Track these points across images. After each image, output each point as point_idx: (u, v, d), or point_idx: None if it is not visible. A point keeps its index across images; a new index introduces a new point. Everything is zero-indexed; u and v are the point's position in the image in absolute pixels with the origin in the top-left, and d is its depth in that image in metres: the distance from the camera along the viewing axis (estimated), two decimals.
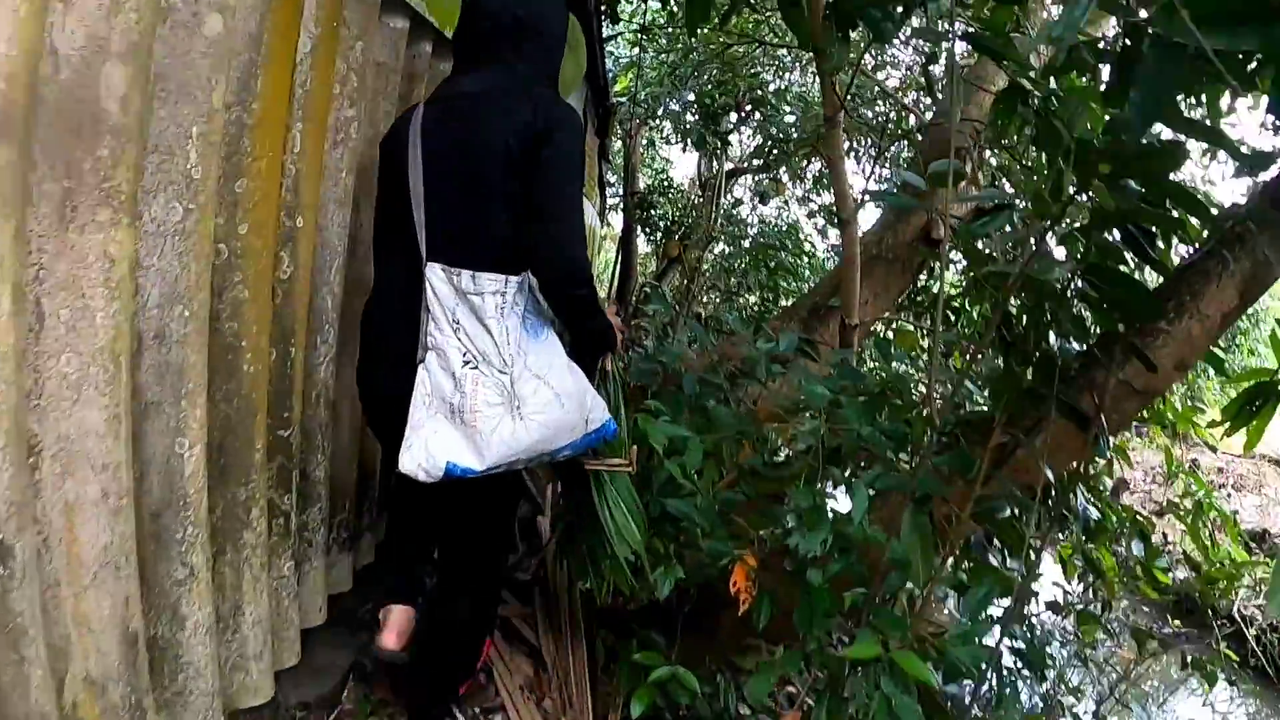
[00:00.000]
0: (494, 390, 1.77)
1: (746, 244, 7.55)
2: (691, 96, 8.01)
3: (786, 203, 11.16)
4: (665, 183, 12.33)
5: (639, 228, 11.39)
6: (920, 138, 5.88)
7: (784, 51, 7.78)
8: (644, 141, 12.06)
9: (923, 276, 5.19)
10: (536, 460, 1.91)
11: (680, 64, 7.64)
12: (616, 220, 13.35)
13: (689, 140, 8.40)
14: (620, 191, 12.05)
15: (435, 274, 1.80)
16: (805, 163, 8.25)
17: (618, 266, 11.72)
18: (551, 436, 1.84)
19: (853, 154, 7.23)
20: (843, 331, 4.54)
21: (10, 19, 1.09)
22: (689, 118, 8.94)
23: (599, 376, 2.20)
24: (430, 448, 1.75)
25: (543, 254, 1.78)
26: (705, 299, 7.88)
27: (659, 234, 11.12)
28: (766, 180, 9.19)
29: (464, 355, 1.78)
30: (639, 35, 7.71)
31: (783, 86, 7.78)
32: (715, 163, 9.29)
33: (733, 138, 8.52)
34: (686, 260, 11.32)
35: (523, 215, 1.79)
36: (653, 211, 11.09)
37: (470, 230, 1.82)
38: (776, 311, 6.84)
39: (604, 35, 7.13)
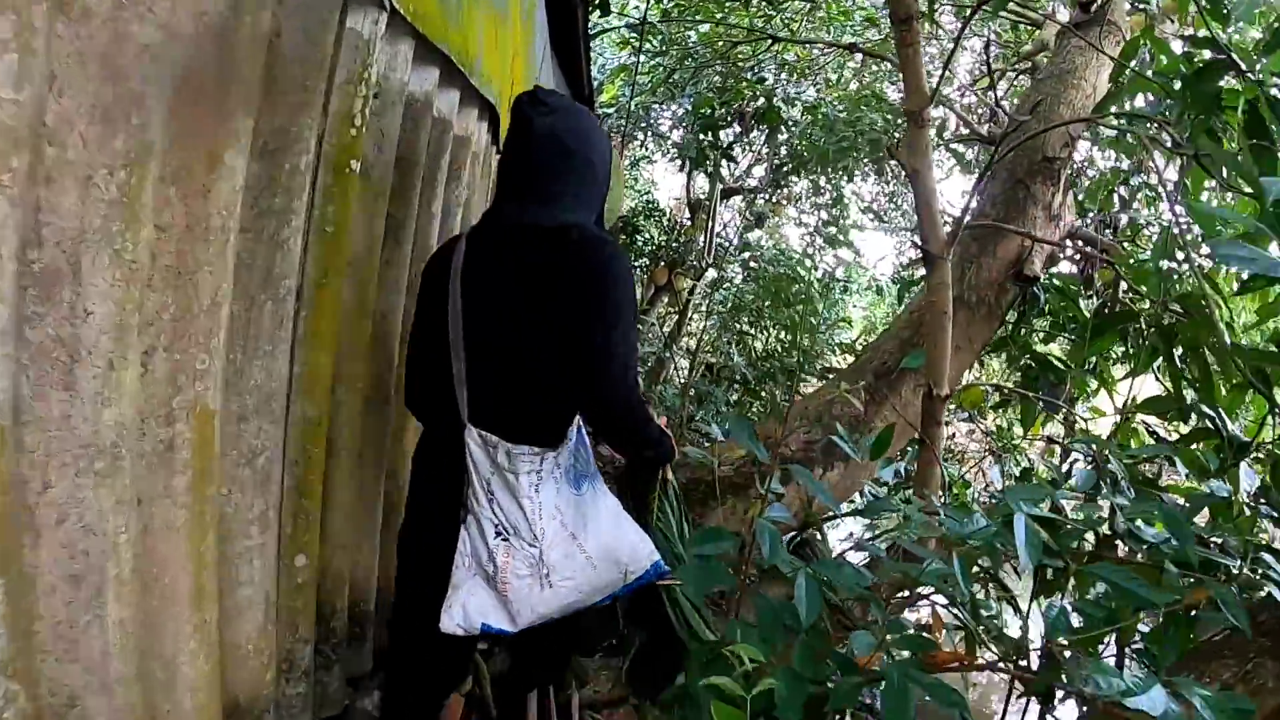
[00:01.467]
0: (523, 563, 1.69)
1: (753, 275, 6.15)
2: (689, 106, 6.70)
3: (779, 225, 9.95)
4: (650, 204, 11.02)
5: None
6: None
7: (794, 53, 6.53)
8: (628, 161, 10.82)
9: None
10: (573, 610, 1.74)
11: (677, 67, 6.32)
12: None
13: (686, 157, 7.09)
14: None
15: (473, 439, 1.68)
16: (824, 180, 6.94)
17: None
18: (584, 598, 1.73)
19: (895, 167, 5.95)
20: (928, 404, 3.27)
21: None
22: (678, 133, 7.71)
23: (659, 486, 2.01)
24: (468, 609, 1.67)
25: (594, 399, 1.69)
26: (706, 335, 6.52)
27: (644, 259, 9.86)
28: (768, 200, 7.91)
29: (496, 527, 1.69)
30: (635, 31, 6.33)
31: (796, 94, 6.48)
32: (712, 181, 7.99)
33: (736, 151, 7.24)
34: (676, 288, 10.10)
35: (568, 364, 1.66)
36: (637, 235, 9.84)
37: (510, 397, 1.70)
38: (797, 355, 5.54)
39: (590, 30, 5.82)
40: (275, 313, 1.36)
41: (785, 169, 6.70)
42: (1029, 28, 5.42)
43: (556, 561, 1.70)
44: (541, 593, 1.70)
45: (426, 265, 1.83)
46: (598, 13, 5.52)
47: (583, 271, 1.64)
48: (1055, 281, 3.61)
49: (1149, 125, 3.14)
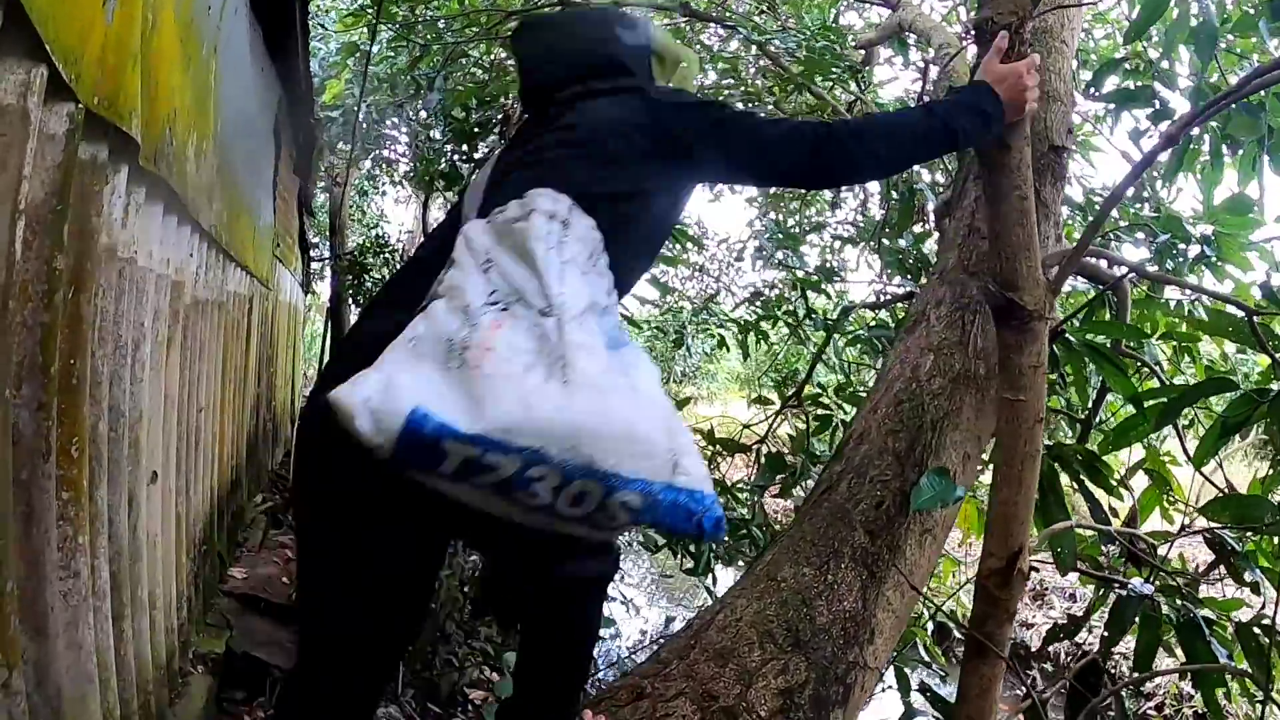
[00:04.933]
0: (525, 334, 0.97)
1: None
2: (439, 106, 4.98)
3: None
4: (380, 240, 9.06)
5: (350, 297, 8.14)
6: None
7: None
8: (354, 190, 8.81)
9: None
10: (579, 479, 0.89)
11: (429, 50, 4.57)
12: (323, 288, 9.96)
13: (436, 174, 5.34)
14: (327, 253, 8.59)
15: (472, 228, 1.09)
16: None
17: (326, 343, 8.42)
18: (607, 436, 0.90)
19: None
20: (1000, 585, 1.87)
21: None
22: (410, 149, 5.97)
23: None
24: (394, 382, 0.91)
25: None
26: None
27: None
28: None
29: (490, 294, 1.01)
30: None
31: None
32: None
33: None
34: None
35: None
36: (366, 276, 7.91)
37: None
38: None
39: None
40: None
41: None
42: None
43: (579, 344, 0.95)
44: (545, 384, 0.91)
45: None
46: None
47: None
48: (1089, 337, 2.36)
49: None
